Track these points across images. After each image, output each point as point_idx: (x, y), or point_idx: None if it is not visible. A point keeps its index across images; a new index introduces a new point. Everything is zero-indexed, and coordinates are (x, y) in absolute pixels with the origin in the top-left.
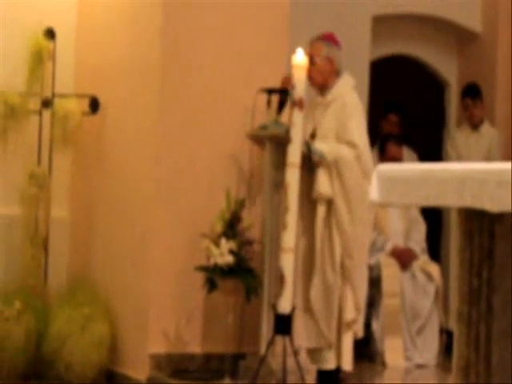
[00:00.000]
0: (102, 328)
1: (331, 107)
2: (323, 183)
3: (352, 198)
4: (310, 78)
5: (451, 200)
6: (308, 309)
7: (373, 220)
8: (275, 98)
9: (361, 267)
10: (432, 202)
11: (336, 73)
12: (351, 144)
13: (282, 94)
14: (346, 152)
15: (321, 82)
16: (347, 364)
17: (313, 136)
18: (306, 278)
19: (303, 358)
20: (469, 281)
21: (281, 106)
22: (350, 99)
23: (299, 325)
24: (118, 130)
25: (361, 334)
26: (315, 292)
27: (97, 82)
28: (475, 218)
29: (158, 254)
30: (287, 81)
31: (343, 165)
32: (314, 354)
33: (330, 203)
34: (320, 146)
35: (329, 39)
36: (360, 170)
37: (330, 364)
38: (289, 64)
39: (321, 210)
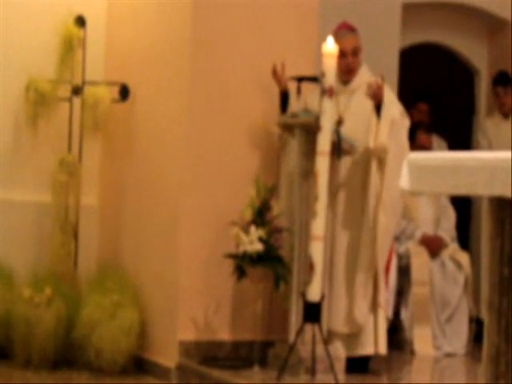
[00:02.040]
0: (132, 315)
1: (357, 94)
2: (384, 134)
3: (403, 157)
4: (353, 69)
5: (482, 189)
6: (348, 294)
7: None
8: (307, 86)
9: (390, 232)
10: (463, 190)
11: None
12: (403, 114)
13: (282, 94)
14: (401, 116)
15: (356, 72)
16: (382, 347)
17: (339, 123)
18: (349, 265)
19: (334, 345)
20: (499, 270)
21: (284, 103)
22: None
23: (338, 310)
24: (147, 118)
25: (390, 314)
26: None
27: (127, 70)
28: (506, 207)
29: (187, 241)
30: (275, 72)
31: (400, 125)
32: (351, 340)
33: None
34: (386, 103)
35: (354, 29)
36: (407, 138)
37: (367, 349)
38: (318, 51)
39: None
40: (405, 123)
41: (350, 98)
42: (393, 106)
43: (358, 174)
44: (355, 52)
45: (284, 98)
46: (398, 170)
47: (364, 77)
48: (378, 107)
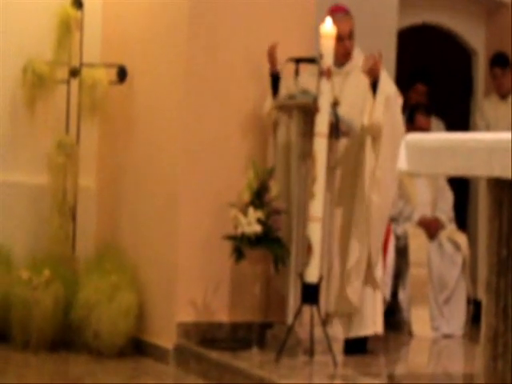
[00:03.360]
0: (130, 296)
1: (352, 75)
2: (380, 112)
3: (398, 136)
4: (350, 52)
5: (480, 170)
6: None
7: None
8: (304, 67)
9: (384, 210)
10: (461, 172)
11: None
12: (396, 93)
13: (273, 76)
14: (396, 94)
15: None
16: (378, 327)
17: (335, 105)
18: (344, 247)
19: (333, 327)
20: (498, 251)
21: (274, 87)
22: None
23: (333, 292)
24: (145, 99)
25: (388, 295)
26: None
27: (124, 51)
28: (504, 188)
29: (185, 222)
30: (271, 52)
31: (394, 103)
32: (350, 320)
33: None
34: (383, 80)
35: (348, 10)
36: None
37: (366, 330)
38: (316, 33)
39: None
40: (399, 101)
41: (344, 79)
42: (387, 84)
43: (353, 153)
44: (351, 35)
45: (275, 81)
46: (392, 148)
47: (358, 58)
48: (373, 85)
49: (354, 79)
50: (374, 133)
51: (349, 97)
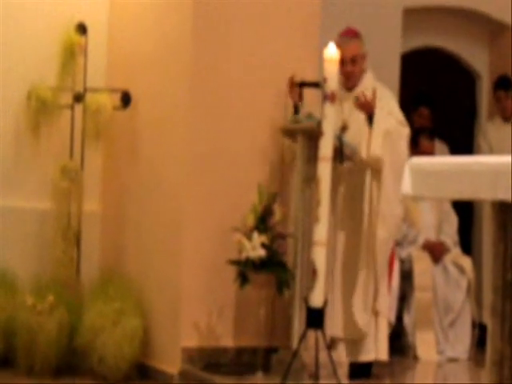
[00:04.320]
0: (134, 321)
1: None
2: (377, 145)
3: (399, 170)
4: (353, 77)
5: (484, 193)
6: (345, 300)
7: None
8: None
9: (390, 243)
10: (465, 195)
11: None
12: (402, 123)
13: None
14: (398, 127)
15: (358, 79)
16: (383, 353)
17: (344, 129)
18: (346, 271)
19: (337, 351)
20: (503, 274)
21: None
22: (382, 88)
23: (337, 316)
24: (149, 124)
25: (393, 319)
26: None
27: (128, 77)
28: (509, 211)
29: (189, 247)
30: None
31: (396, 136)
32: (352, 345)
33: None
34: (384, 114)
35: (359, 35)
36: (406, 148)
37: (368, 355)
38: (320, 57)
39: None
40: (403, 133)
41: (353, 104)
42: (390, 116)
43: (357, 181)
44: (354, 60)
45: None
46: (394, 182)
47: (368, 83)
48: (370, 118)
49: None
50: (374, 166)
51: (357, 121)
